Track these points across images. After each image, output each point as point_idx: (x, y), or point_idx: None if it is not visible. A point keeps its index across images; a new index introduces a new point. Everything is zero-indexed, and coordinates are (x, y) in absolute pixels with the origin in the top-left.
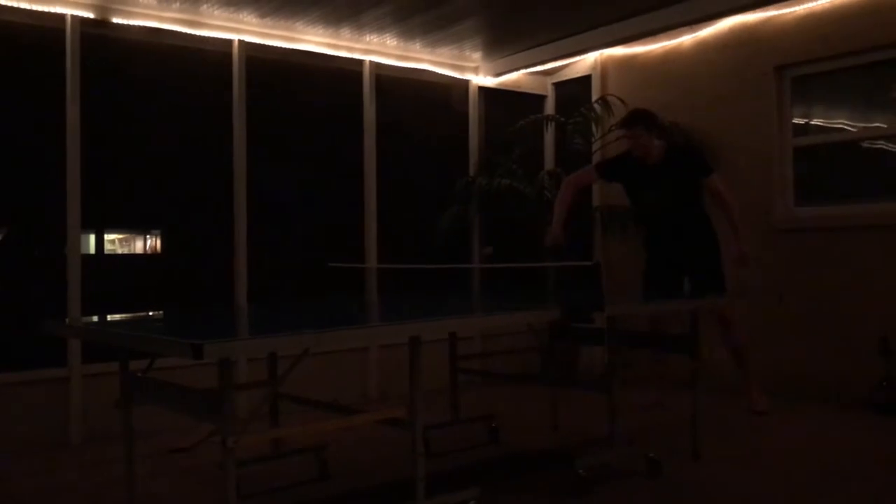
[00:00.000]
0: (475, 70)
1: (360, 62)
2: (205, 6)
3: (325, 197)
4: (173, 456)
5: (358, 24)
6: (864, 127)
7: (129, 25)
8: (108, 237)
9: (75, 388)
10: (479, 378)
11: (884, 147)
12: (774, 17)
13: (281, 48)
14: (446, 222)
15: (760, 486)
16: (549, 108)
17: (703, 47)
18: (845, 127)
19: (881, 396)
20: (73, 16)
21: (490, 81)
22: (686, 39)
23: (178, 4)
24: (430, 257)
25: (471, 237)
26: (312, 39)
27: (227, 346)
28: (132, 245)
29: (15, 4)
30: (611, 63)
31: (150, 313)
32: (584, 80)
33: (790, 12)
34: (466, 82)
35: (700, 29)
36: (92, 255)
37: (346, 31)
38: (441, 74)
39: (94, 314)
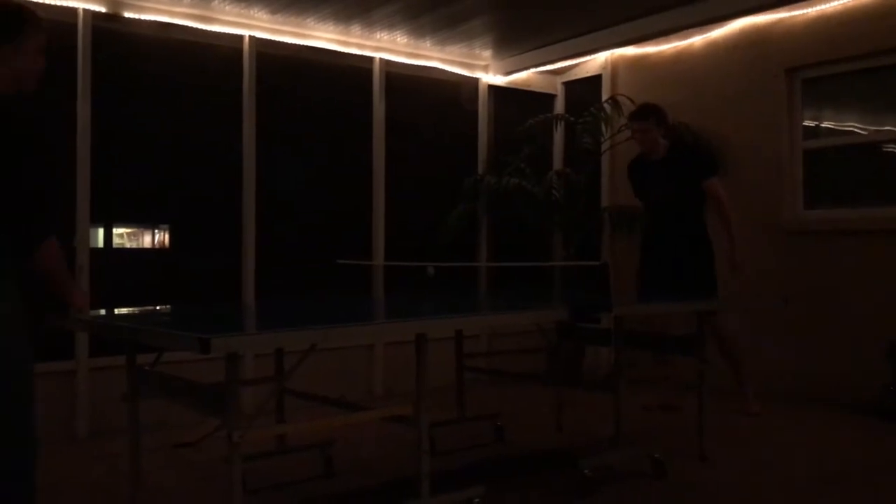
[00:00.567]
0: (485, 68)
1: (370, 59)
2: (216, 2)
3: (334, 194)
4: (179, 450)
5: (368, 22)
6: (876, 130)
7: (140, 20)
8: (116, 231)
9: (82, 382)
10: (486, 377)
11: (895, 150)
12: (785, 18)
13: (291, 44)
14: (454, 220)
15: (765, 488)
16: (559, 107)
17: (714, 48)
18: (856, 130)
19: (888, 401)
20: (84, 10)
21: (500, 80)
22: (697, 40)
23: (189, 0)
24: (438, 255)
25: (479, 236)
26: (323, 36)
27: (234, 340)
28: (140, 239)
29: None
30: (621, 63)
31: (158, 307)
32: (594, 80)
33: (801, 14)
34: (476, 80)
35: (711, 30)
36: (100, 248)
37: (356, 28)
38: (451, 72)
39: (102, 307)
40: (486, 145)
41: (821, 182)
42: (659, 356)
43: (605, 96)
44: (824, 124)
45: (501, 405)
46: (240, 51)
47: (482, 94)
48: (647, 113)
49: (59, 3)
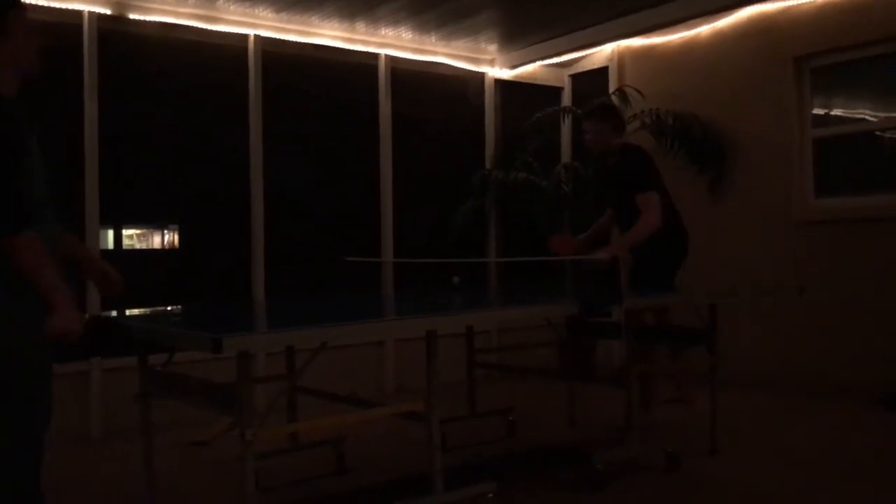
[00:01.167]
0: (491, 62)
1: (376, 56)
2: (220, 1)
3: (342, 191)
4: (193, 449)
5: (373, 18)
6: (886, 117)
7: (145, 21)
8: (126, 232)
9: (95, 383)
10: (497, 372)
11: None
12: (793, 6)
13: (297, 42)
14: (463, 216)
15: (778, 481)
16: (566, 100)
17: (721, 38)
18: (867, 117)
19: None
20: (90, 12)
21: (506, 74)
22: (704, 30)
23: (194, 0)
24: (447, 251)
25: (488, 231)
26: (328, 34)
27: (245, 339)
28: (150, 240)
29: (33, 1)
30: (628, 54)
31: (169, 308)
32: (601, 72)
33: (809, 2)
34: (482, 75)
35: (718, 19)
36: (111, 249)
37: (361, 25)
38: (457, 67)
39: (113, 309)
40: (494, 140)
41: (831, 170)
42: (676, 350)
43: (612, 88)
44: (834, 112)
45: (513, 400)
46: (245, 50)
47: (488, 88)
48: (600, 113)
49: (64, 6)
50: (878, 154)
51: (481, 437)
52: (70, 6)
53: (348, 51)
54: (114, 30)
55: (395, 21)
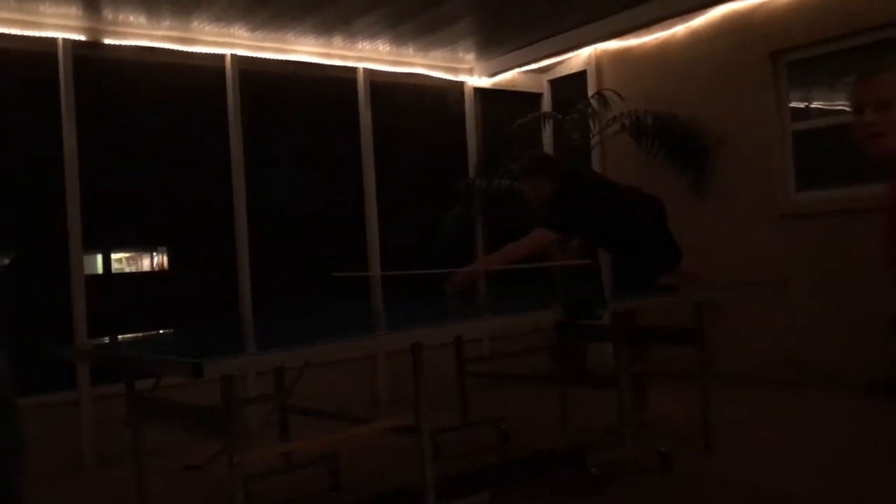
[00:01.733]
0: (469, 71)
1: (354, 69)
2: (195, 22)
3: (326, 206)
4: (186, 473)
5: (350, 32)
6: None
7: (121, 46)
8: (115, 256)
9: (86, 410)
10: (489, 380)
11: None
12: (766, 2)
13: (274, 60)
14: (448, 225)
15: (773, 475)
16: (546, 105)
17: (697, 37)
18: (846, 109)
19: (892, 380)
20: (64, 39)
21: (485, 82)
22: (679, 30)
23: (168, 22)
24: (433, 260)
25: (474, 239)
26: (305, 49)
27: (227, 363)
28: (139, 263)
29: (6, 31)
30: (605, 57)
31: (160, 331)
32: (580, 76)
33: None
34: (461, 84)
35: (692, 18)
36: (100, 274)
37: (338, 40)
38: (435, 77)
39: (105, 333)
40: (476, 148)
41: (812, 163)
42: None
43: (591, 92)
44: (814, 105)
45: (506, 408)
46: (223, 70)
47: (468, 97)
48: (531, 168)
49: (38, 35)
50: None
51: (475, 446)
52: (44, 34)
53: (326, 66)
54: (89, 56)
55: (371, 34)
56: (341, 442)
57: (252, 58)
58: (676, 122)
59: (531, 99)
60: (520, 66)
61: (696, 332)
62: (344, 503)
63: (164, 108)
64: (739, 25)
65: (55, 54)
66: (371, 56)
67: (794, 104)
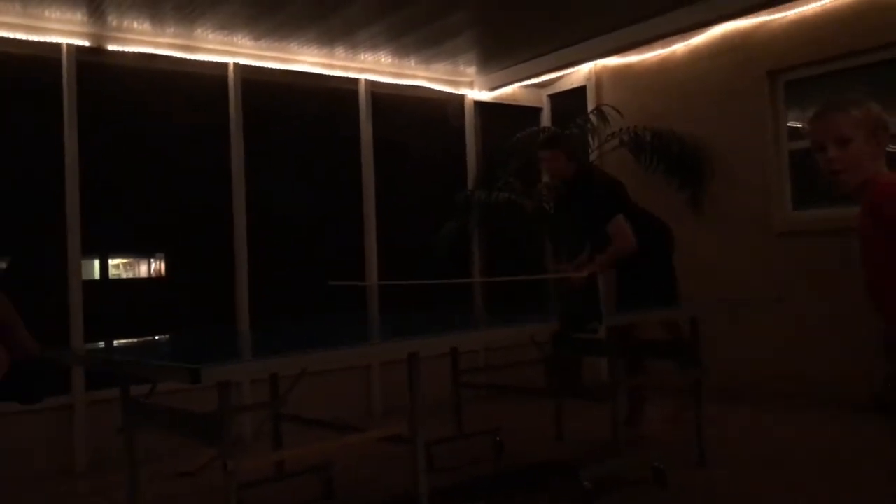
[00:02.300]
0: (470, 85)
1: (356, 81)
2: (199, 30)
3: (325, 216)
4: (180, 480)
5: (352, 44)
6: None
7: (124, 52)
8: (112, 262)
9: (80, 415)
10: (484, 391)
11: None
12: (766, 22)
13: (276, 69)
14: (446, 236)
15: (766, 491)
16: (545, 120)
17: (697, 55)
18: None
19: (888, 396)
20: (68, 45)
21: (485, 95)
22: (679, 47)
23: (172, 29)
24: (431, 272)
25: (471, 250)
26: (307, 60)
27: (224, 369)
28: (137, 269)
29: (10, 35)
30: (605, 73)
31: (156, 337)
32: (580, 91)
33: (781, 17)
34: (462, 97)
35: (693, 37)
36: (97, 280)
37: (340, 51)
38: (436, 90)
39: (101, 339)
40: (475, 161)
41: (809, 182)
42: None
43: (590, 107)
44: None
45: (500, 419)
46: (225, 78)
47: (468, 110)
48: (552, 140)
49: (42, 40)
50: None
51: (469, 457)
52: (48, 39)
53: (328, 76)
54: (93, 62)
55: (374, 46)
56: (335, 450)
57: (255, 67)
58: (675, 139)
59: (531, 113)
60: (520, 80)
61: (691, 348)
62: None
63: (165, 116)
64: (738, 44)
65: (59, 59)
66: (373, 67)
67: (791, 123)
